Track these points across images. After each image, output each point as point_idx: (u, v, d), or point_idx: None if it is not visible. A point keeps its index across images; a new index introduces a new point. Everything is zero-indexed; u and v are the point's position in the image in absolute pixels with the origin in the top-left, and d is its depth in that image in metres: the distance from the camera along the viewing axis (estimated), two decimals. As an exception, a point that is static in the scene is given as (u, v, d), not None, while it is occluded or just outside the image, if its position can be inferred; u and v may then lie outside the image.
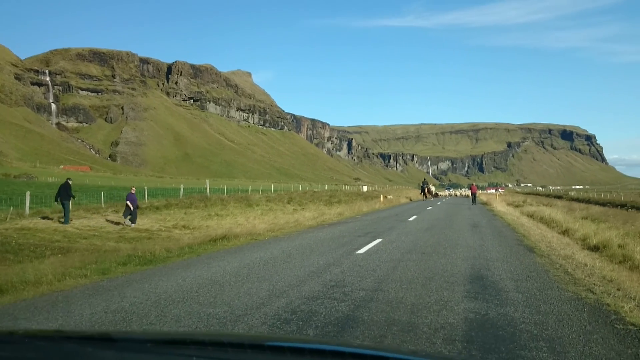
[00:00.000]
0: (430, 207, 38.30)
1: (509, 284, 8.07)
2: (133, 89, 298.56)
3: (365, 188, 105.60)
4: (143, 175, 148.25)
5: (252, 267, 9.98)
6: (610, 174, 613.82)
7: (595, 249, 13.17)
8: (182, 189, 39.10)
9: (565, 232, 17.78)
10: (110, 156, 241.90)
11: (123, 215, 20.95)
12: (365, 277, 8.70)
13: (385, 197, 62.29)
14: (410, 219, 24.83)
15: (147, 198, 33.12)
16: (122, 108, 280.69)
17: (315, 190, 68.57)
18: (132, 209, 20.69)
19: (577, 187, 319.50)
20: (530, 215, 26.99)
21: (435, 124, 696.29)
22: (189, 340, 1.93)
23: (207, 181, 44.49)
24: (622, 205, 53.93)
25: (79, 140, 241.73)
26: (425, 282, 8.21)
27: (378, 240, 14.70)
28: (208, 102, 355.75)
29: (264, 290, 7.62)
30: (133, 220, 20.56)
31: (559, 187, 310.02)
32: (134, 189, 22.42)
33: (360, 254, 11.90)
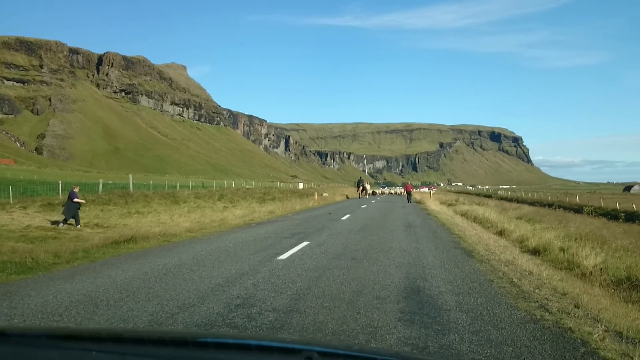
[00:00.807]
0: (364, 206, 37.39)
1: (450, 300, 6.80)
2: (61, 79, 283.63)
3: (301, 185, 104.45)
4: (69, 169, 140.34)
5: (147, 279, 8.25)
6: (536, 175, 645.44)
7: (535, 252, 12.34)
8: (100, 184, 36.17)
9: (501, 233, 17.06)
10: (36, 149, 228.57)
11: (63, 213, 18.38)
12: (281, 292, 7.19)
13: (321, 195, 61.24)
14: (344, 218, 23.60)
15: (62, 193, 30.21)
16: (50, 99, 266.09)
17: (249, 187, 66.54)
18: (76, 208, 18.24)
19: (505, 186, 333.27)
20: (464, 215, 26.49)
21: (371, 123, 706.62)
22: (104, 335, 1.90)
23: (130, 176, 41.53)
24: (550, 205, 55.42)
25: (3, 132, 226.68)
26: (352, 298, 6.81)
27: (305, 243, 13.24)
28: (140, 95, 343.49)
29: (147, 313, 5.96)
30: (77, 222, 18.09)
31: (487, 187, 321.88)
32: (77, 187, 19.82)
33: (282, 260, 10.38)
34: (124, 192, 35.42)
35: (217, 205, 38.73)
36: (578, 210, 48.68)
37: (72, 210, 18.08)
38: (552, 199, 68.63)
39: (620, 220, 34.97)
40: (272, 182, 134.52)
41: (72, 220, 18.08)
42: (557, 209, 46.31)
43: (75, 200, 18.36)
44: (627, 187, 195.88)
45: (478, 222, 21.43)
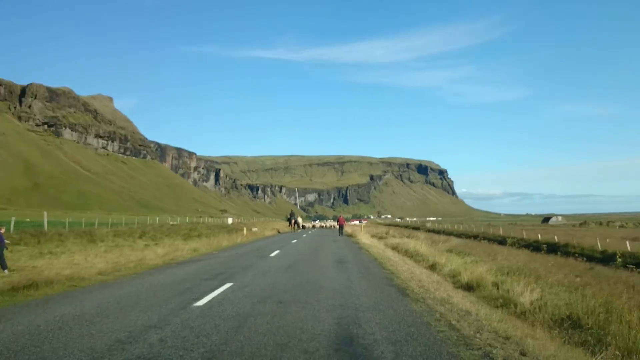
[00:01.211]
0: (295, 240, 36.47)
1: (386, 350, 6.01)
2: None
3: (230, 220, 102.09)
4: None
5: (38, 334, 6.96)
6: (460, 207, 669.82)
7: (469, 288, 11.89)
8: (12, 222, 33.29)
9: (433, 267, 16.66)
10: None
11: None
12: (191, 349, 6.13)
13: (250, 230, 59.78)
14: (272, 254, 22.54)
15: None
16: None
17: (174, 223, 63.96)
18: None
19: (432, 218, 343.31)
20: (395, 248, 26.18)
21: (303, 156, 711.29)
22: None
23: (45, 213, 38.66)
24: (476, 237, 56.78)
25: None
26: (275, 355, 5.86)
27: (228, 285, 12.13)
28: (64, 128, 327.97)
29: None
30: (3, 266, 15.81)
31: (415, 219, 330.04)
32: (2, 228, 17.50)
33: (199, 306, 9.26)
34: (37, 231, 32.79)
35: (137, 244, 36.57)
36: (502, 241, 50.03)
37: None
38: (477, 231, 70.61)
39: (543, 251, 35.94)
40: (200, 217, 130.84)
41: None
42: (482, 241, 47.32)
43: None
44: (546, 219, 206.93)
45: (409, 255, 21.06)
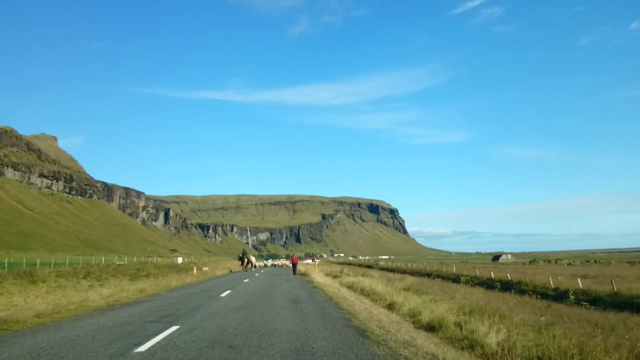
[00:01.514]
0: (247, 280, 35.29)
1: (350, 401, 5.38)
2: None
3: (180, 260, 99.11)
4: None
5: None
6: (412, 245, 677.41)
7: (430, 328, 11.39)
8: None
9: (390, 307, 16.13)
10: None
11: None
12: (128, 406, 5.32)
13: (200, 269, 57.91)
14: (223, 294, 21.47)
15: None
16: None
17: (121, 263, 61.20)
18: None
19: (384, 256, 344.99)
20: (350, 287, 25.56)
21: (255, 195, 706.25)
22: None
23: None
24: (429, 275, 56.84)
25: None
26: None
27: (174, 328, 11.18)
28: (5, 167, 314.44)
29: None
30: None
31: (368, 257, 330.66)
32: None
33: (140, 352, 8.35)
34: (-31, 273, 30.61)
35: (81, 285, 34.64)
36: (455, 279, 50.19)
37: None
38: (431, 269, 70.81)
39: (497, 289, 35.96)
40: (149, 257, 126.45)
41: None
42: (436, 279, 47.26)
43: None
44: (496, 257, 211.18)
45: (365, 294, 20.49)
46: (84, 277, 39.89)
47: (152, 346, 8.95)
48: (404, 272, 64.57)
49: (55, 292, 27.58)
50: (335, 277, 35.81)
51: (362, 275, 39.28)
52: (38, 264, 43.85)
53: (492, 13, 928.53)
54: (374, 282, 25.96)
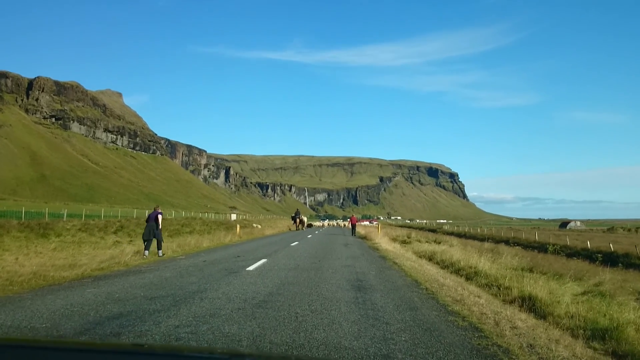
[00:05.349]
0: (296, 243, 29.14)
1: None
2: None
3: (234, 216, 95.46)
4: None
5: None
6: (471, 210, 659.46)
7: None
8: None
9: (529, 304, 9.37)
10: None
11: None
12: None
13: (251, 226, 53.04)
14: (252, 267, 14.64)
15: None
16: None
17: (167, 217, 57.09)
18: None
19: (443, 221, 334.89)
20: (430, 259, 18.90)
21: (313, 156, 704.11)
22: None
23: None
24: (506, 242, 49.30)
25: None
26: None
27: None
28: (72, 122, 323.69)
29: None
30: None
31: (425, 221, 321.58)
32: None
33: None
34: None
35: (105, 240, 30.03)
36: (539, 248, 42.80)
37: None
38: (506, 235, 63.09)
39: (598, 262, 28.66)
40: (206, 212, 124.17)
41: None
42: (515, 246, 40.20)
43: None
44: (564, 224, 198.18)
45: (464, 275, 13.67)
46: (114, 232, 35.33)
47: None
48: (474, 238, 57.27)
49: (68, 248, 23.24)
50: (404, 243, 29.13)
51: (435, 241, 32.53)
52: (65, 215, 39.58)
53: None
54: (462, 253, 19.13)
